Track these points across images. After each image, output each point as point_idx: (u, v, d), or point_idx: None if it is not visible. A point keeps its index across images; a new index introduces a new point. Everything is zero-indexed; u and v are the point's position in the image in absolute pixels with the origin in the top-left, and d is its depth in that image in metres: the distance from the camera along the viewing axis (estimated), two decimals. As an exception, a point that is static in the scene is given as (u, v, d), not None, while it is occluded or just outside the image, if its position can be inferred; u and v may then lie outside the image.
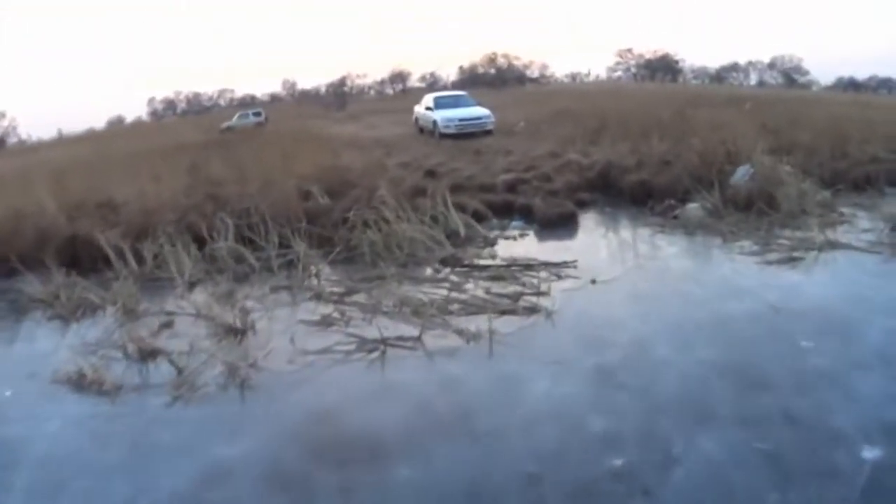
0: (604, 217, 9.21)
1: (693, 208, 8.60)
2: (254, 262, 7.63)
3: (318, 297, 6.43)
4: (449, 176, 11.55)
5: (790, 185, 8.54)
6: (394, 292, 6.28)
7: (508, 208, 9.46)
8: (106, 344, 5.72)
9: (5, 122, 58.53)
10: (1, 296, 7.50)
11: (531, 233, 8.59)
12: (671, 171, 9.64)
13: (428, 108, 20.47)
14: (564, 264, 6.82)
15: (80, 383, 4.95)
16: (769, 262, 6.61)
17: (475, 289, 6.32)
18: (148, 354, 5.42)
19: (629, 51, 63.71)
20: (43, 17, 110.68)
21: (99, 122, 58.58)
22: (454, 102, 20.48)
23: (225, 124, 34.80)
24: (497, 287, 6.29)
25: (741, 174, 9.14)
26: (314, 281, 7.04)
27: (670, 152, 10.59)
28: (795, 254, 6.75)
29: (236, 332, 5.75)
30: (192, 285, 7.34)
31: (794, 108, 17.43)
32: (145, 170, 12.48)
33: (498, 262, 7.11)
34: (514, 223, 8.93)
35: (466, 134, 18.21)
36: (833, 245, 6.93)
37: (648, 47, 69.79)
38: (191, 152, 16.17)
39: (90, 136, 41.54)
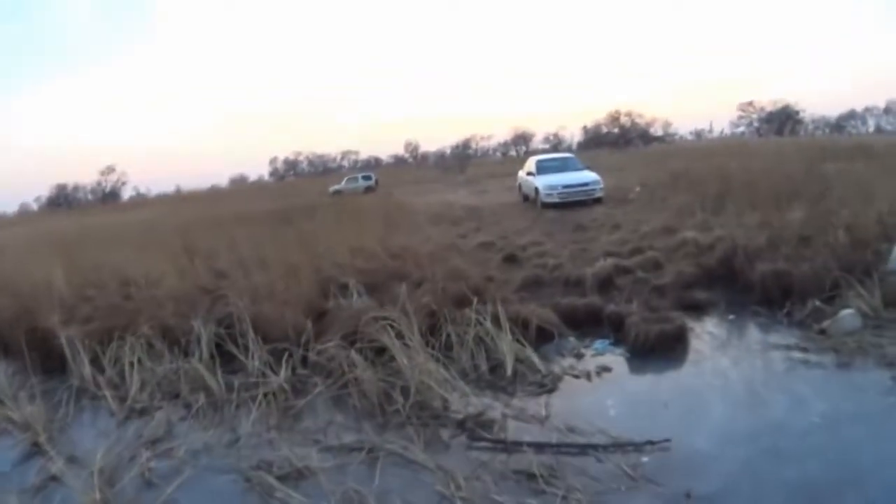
0: (724, 329, 6.49)
1: (847, 317, 5.99)
2: (218, 389, 5.62)
3: (248, 481, 4.18)
4: (530, 263, 9.51)
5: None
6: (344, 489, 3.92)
7: (594, 318, 6.88)
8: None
9: (114, 176, 62.58)
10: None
11: (618, 361, 5.95)
12: (812, 255, 7.23)
13: (530, 174, 18.18)
14: (649, 446, 4.15)
15: None
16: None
17: (483, 494, 3.80)
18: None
19: (750, 104, 60.63)
20: (177, 75, 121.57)
21: (224, 180, 61.37)
22: (559, 166, 18.07)
23: (333, 188, 34.36)
24: (522, 493, 3.76)
25: None
26: (266, 440, 4.84)
27: (808, 224, 8.24)
28: None
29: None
30: (138, 412, 5.57)
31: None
32: (191, 244, 11.09)
33: (544, 434, 4.48)
34: (597, 345, 6.35)
35: (572, 203, 15.73)
36: None
37: (768, 98, 66.88)
38: (253, 223, 14.78)
39: (204, 195, 42.93)
